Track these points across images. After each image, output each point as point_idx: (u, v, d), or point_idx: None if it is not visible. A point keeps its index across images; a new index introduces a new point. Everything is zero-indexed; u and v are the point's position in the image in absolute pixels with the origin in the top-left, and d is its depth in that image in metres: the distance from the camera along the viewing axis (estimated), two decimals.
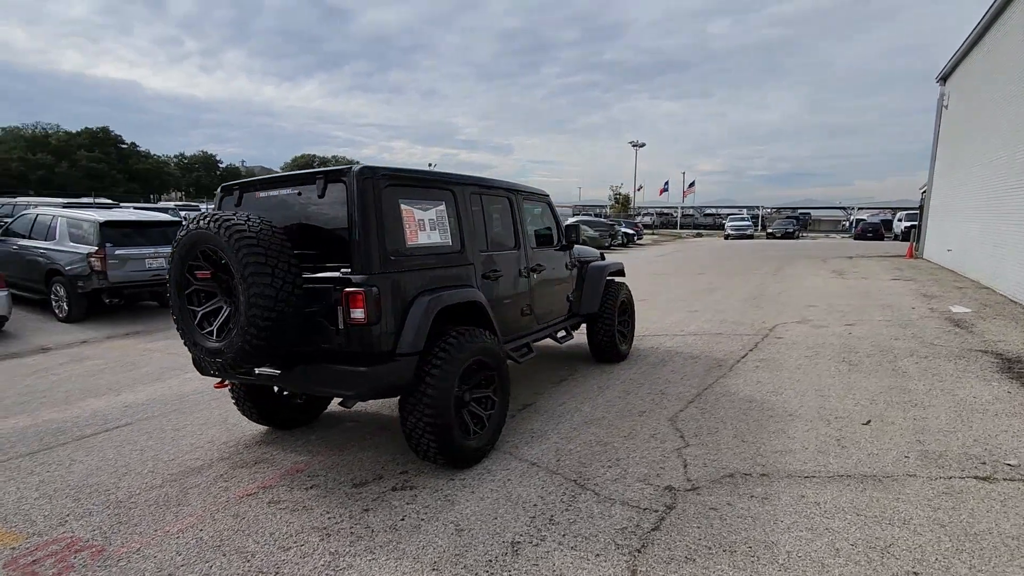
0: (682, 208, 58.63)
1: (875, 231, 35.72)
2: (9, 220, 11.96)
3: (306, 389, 3.53)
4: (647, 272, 16.56)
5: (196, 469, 3.85)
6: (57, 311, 9.47)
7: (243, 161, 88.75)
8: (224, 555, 2.80)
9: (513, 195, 4.79)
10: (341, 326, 3.21)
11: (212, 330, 3.31)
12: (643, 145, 50.47)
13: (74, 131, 49.17)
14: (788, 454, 3.75)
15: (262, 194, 3.74)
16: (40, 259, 9.78)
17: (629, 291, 6.63)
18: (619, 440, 4.11)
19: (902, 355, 6.23)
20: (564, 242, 5.55)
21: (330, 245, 3.37)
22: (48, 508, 3.34)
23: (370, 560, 2.72)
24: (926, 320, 8.20)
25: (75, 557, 2.82)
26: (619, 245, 30.93)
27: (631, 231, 34.13)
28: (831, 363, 6.01)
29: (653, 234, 45.83)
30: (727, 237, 40.20)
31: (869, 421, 4.28)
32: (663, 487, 3.35)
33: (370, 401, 4.64)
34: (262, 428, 4.55)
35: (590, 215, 43.23)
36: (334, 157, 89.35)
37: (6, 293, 8.31)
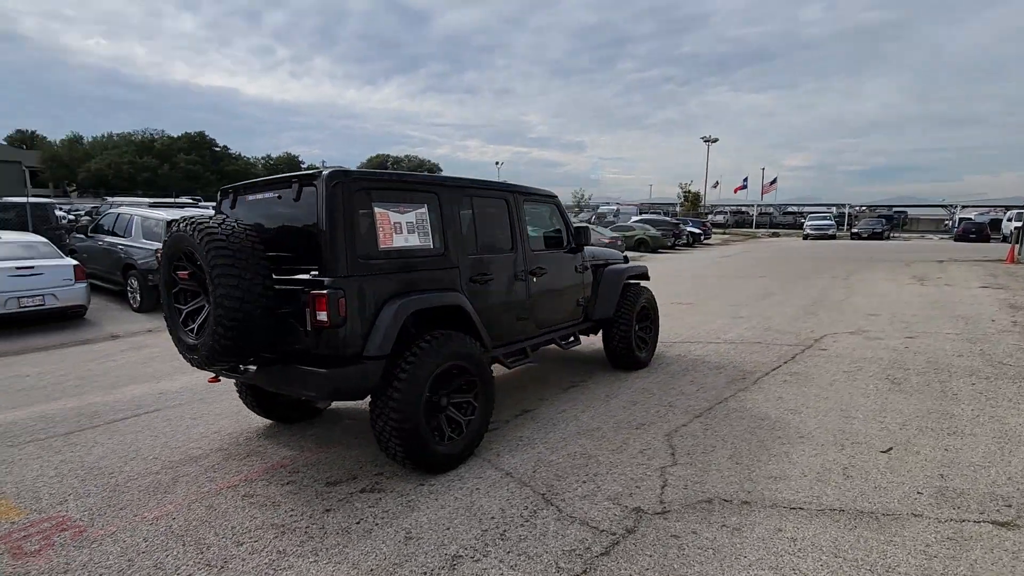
0: (759, 206, 55.65)
1: (979, 232, 32.23)
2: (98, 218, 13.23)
3: (277, 388, 3.62)
4: (704, 274, 15.85)
5: (194, 458, 4.06)
6: (131, 302, 10.37)
7: (323, 161, 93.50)
8: (183, 545, 2.92)
9: (511, 196, 4.69)
10: (309, 328, 3.27)
11: (193, 327, 3.48)
12: (715, 140, 48.31)
13: (175, 136, 53.92)
14: (782, 480, 3.43)
15: (251, 197, 3.88)
16: (119, 254, 10.74)
17: (651, 296, 6.35)
18: (606, 454, 3.93)
19: (959, 374, 5.55)
20: (573, 244, 5.38)
21: (305, 248, 3.44)
22: (56, 487, 3.64)
23: (312, 562, 2.75)
24: (1003, 335, 7.28)
25: (58, 536, 3.05)
26: (684, 245, 29.83)
27: (698, 230, 32.82)
28: (871, 380, 5.46)
29: (724, 233, 43.86)
30: (806, 237, 37.75)
31: (890, 449, 3.84)
32: (631, 508, 3.16)
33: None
34: (267, 421, 4.74)
35: (658, 213, 41.95)
36: (407, 156, 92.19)
37: (85, 285, 9.18)
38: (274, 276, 3.35)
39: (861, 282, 13.34)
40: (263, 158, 77.41)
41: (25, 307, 8.50)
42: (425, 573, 2.64)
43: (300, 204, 3.47)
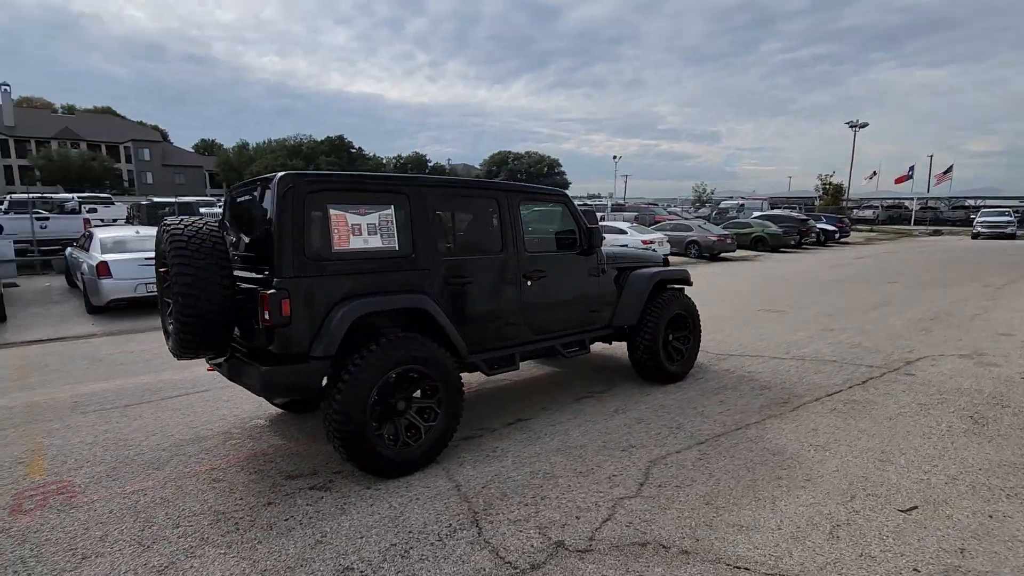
0: (921, 199, 48.44)
1: None
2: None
3: (233, 380, 3.81)
4: (820, 278, 14.15)
5: (200, 438, 4.43)
6: None
7: (449, 159, 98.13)
8: (134, 521, 3.19)
9: (504, 196, 4.48)
10: (259, 325, 3.39)
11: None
12: (864, 125, 42.71)
13: (320, 140, 59.93)
14: (746, 532, 2.90)
15: (239, 199, 4.12)
16: None
17: (690, 303, 5.76)
18: (570, 476, 3.62)
19: None
20: (585, 246, 5.02)
21: (264, 248, 3.57)
22: (83, 453, 4.17)
23: (221, 553, 2.86)
24: None
25: (54, 499, 3.49)
26: (812, 243, 26.86)
27: (832, 227, 29.35)
28: (947, 417, 4.46)
29: (871, 231, 38.82)
30: (975, 236, 32.12)
31: (913, 508, 3.08)
32: (553, 541, 2.87)
33: None
34: (279, 409, 5.03)
35: (794, 208, 38.10)
36: (528, 152, 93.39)
37: None
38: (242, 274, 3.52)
39: (1018, 294, 11.02)
40: (394, 158, 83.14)
41: (151, 292, 9.92)
42: None
43: (263, 206, 3.61)
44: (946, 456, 3.75)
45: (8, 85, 61.20)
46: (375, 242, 3.72)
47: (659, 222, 26.90)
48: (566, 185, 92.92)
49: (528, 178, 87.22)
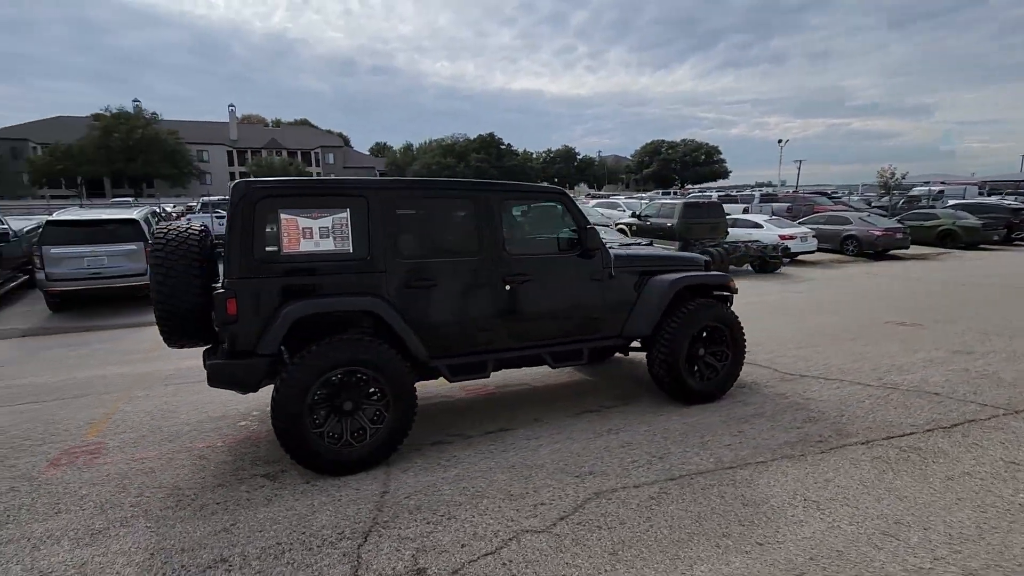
0: None
1: None
2: None
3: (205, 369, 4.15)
4: (1003, 284, 11.38)
5: (223, 416, 4.97)
6: None
7: (599, 152, 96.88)
8: (114, 486, 3.68)
9: (483, 196, 4.28)
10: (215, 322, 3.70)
11: None
12: None
13: (472, 138, 63.38)
14: None
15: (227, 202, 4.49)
16: None
17: (727, 314, 5.00)
18: (498, 497, 3.38)
19: None
20: (587, 247, 4.58)
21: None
22: (133, 421, 4.92)
23: (147, 527, 3.17)
24: None
25: (83, 458, 4.17)
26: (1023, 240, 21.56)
27: None
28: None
29: None
30: None
31: None
32: (418, 568, 2.70)
33: None
34: None
35: (1013, 197, 30.87)
36: (684, 140, 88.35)
37: None
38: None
39: None
40: (544, 152, 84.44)
41: None
42: (184, 566, 2.79)
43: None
44: (986, 539, 2.76)
45: (234, 105, 74.37)
46: (327, 245, 3.82)
47: (824, 212, 23.68)
48: (725, 174, 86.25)
49: (683, 168, 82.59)
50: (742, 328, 5.11)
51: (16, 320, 9.19)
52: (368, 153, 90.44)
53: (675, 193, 47.36)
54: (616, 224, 19.39)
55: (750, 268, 14.83)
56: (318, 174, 74.77)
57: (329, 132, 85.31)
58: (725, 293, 5.27)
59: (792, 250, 15.92)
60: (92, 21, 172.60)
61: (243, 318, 3.58)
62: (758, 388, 5.34)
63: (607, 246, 4.97)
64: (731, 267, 14.28)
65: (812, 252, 16.78)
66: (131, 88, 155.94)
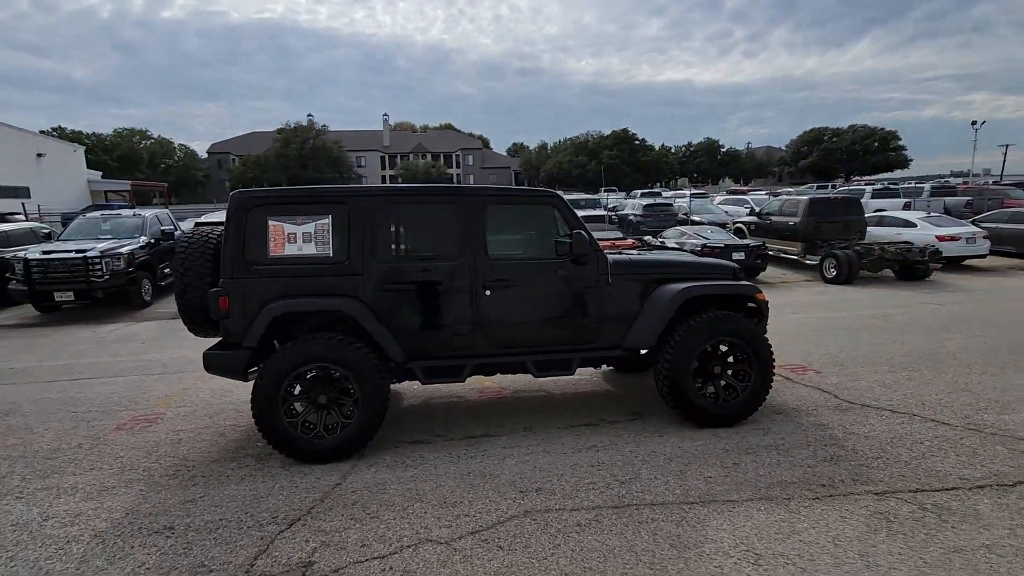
0: None
1: None
2: None
3: None
4: None
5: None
6: None
7: (748, 143, 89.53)
8: (143, 453, 4.33)
9: (465, 201, 4.27)
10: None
11: None
12: None
13: (605, 134, 62.39)
14: None
15: None
16: None
17: (746, 328, 4.43)
18: (430, 504, 3.39)
19: None
20: (577, 253, 4.34)
21: None
22: (195, 398, 5.71)
23: (140, 490, 3.71)
24: None
25: (142, 425, 4.94)
26: None
27: None
28: None
29: None
30: None
31: None
32: (306, 562, 2.83)
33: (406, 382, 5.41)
34: None
35: None
36: (853, 127, 78.10)
37: None
38: None
39: None
40: (684, 146, 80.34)
41: None
42: (140, 527, 3.22)
43: None
44: None
45: (387, 115, 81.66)
46: (310, 249, 4.10)
47: (1010, 208, 19.59)
48: (903, 163, 74.56)
49: (849, 157, 73.11)
50: (768, 346, 4.49)
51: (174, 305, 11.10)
52: (505, 154, 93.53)
53: (835, 186, 42.14)
54: (734, 223, 17.92)
55: (891, 274, 12.79)
56: (457, 175, 79.09)
57: (470, 135, 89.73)
58: (752, 305, 4.67)
59: (953, 254, 13.35)
60: (287, 48, 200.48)
61: (233, 314, 4.00)
62: (798, 415, 4.65)
63: (622, 252, 4.66)
64: (865, 273, 12.47)
65: (983, 256, 13.96)
66: (314, 103, 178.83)
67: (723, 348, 4.49)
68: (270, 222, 4.07)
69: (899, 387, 5.30)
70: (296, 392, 4.00)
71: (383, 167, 78.25)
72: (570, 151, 62.36)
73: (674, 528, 3.02)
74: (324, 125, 68.51)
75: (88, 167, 42.77)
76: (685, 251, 13.47)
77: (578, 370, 4.58)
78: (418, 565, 2.77)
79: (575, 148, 61.74)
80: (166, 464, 4.10)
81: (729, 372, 4.53)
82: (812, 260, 13.62)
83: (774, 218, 15.56)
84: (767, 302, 4.67)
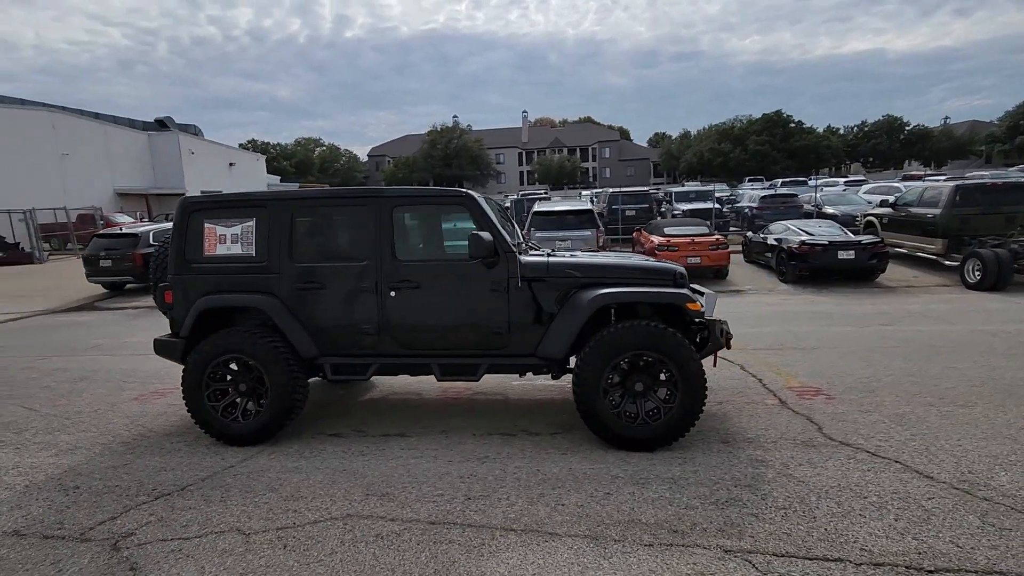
0: None
1: None
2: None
3: None
4: None
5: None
6: None
7: (946, 118, 75.49)
8: (134, 421, 5.09)
9: (377, 203, 4.30)
10: None
11: None
12: None
13: (755, 119, 56.86)
14: None
15: None
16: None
17: (672, 341, 3.88)
18: (277, 499, 3.54)
19: None
20: (486, 255, 4.11)
21: None
22: None
23: (113, 451, 4.38)
24: None
25: (154, 397, 5.81)
26: None
27: None
28: None
29: None
30: None
31: None
32: (124, 533, 3.14)
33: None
34: None
35: None
36: None
37: None
38: None
39: None
40: (857, 126, 70.29)
41: None
42: (90, 487, 3.77)
43: None
44: None
45: (527, 111, 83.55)
46: (236, 249, 4.47)
47: None
48: None
49: None
50: (696, 361, 3.89)
51: None
52: (645, 145, 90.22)
53: None
54: (864, 216, 15.48)
55: None
56: (592, 168, 78.16)
57: (609, 127, 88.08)
58: (691, 316, 4.07)
59: None
60: (448, 55, 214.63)
61: (176, 306, 4.53)
62: (746, 446, 3.98)
63: (559, 253, 4.37)
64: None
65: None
66: (470, 104, 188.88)
67: (640, 363, 3.99)
68: (206, 224, 4.52)
69: (918, 426, 4.25)
70: (218, 378, 4.40)
71: (520, 163, 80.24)
72: (712, 138, 58.02)
73: (459, 554, 2.81)
74: (468, 125, 72.31)
75: (269, 172, 50.16)
76: (780, 245, 11.96)
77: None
78: (204, 551, 2.94)
79: (718, 135, 57.25)
80: (132, 433, 4.78)
81: (656, 391, 4.02)
82: (953, 261, 11.27)
83: (912, 209, 13.12)
84: (702, 312, 4.04)
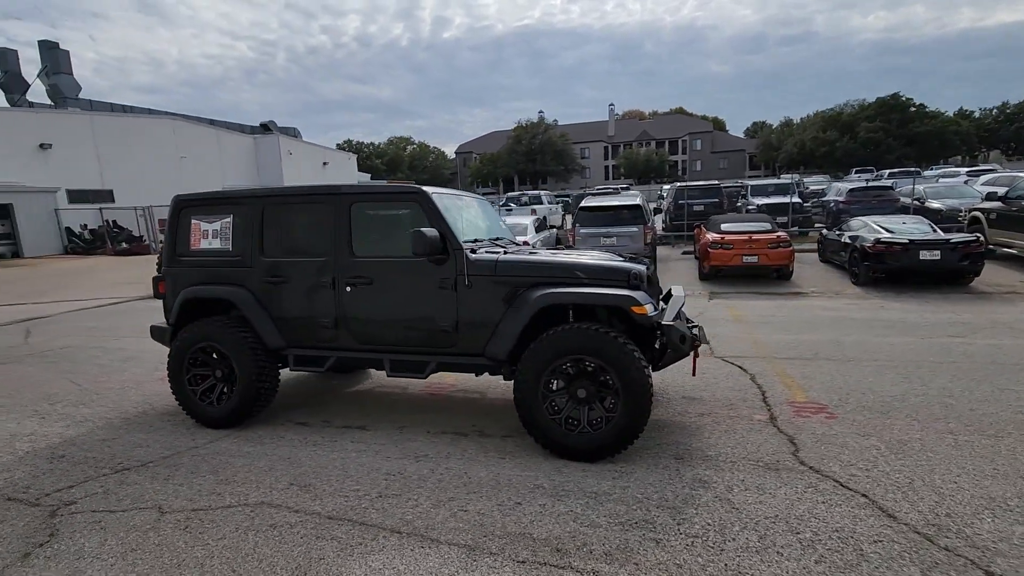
0: None
1: None
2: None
3: None
4: None
5: None
6: None
7: None
8: (143, 400, 5.62)
9: (337, 200, 4.38)
10: None
11: None
12: None
13: (866, 103, 51.50)
14: None
15: None
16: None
17: (614, 348, 3.62)
18: (217, 475, 3.73)
19: None
20: (431, 252, 4.04)
21: None
22: None
23: (111, 424, 4.87)
24: None
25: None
26: None
27: None
28: None
29: None
30: None
31: None
32: (66, 502, 3.44)
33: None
34: None
35: None
36: None
37: None
38: None
39: None
40: (993, 109, 61.60)
41: None
42: (70, 456, 4.25)
43: None
44: None
45: (613, 104, 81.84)
46: (216, 244, 4.76)
47: None
48: None
49: None
50: (639, 370, 3.59)
51: None
52: (742, 136, 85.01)
53: None
54: (969, 211, 13.63)
55: None
56: (682, 161, 74.93)
57: (702, 118, 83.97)
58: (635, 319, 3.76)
59: None
60: (540, 50, 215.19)
61: (167, 296, 4.91)
62: (698, 464, 3.64)
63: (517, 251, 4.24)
64: None
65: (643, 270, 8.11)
66: (561, 99, 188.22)
67: (589, 369, 3.76)
68: (192, 220, 4.85)
69: (916, 456, 3.67)
70: (198, 364, 4.71)
71: (606, 157, 78.71)
72: (816, 126, 53.30)
73: (331, 551, 2.79)
74: (554, 120, 72.05)
75: (362, 171, 53.04)
76: (854, 244, 10.78)
77: None
78: (117, 525, 3.16)
79: (824, 122, 52.44)
80: (138, 410, 5.25)
81: (603, 400, 3.77)
82: None
83: None
84: (649, 317, 3.71)
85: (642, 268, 4.04)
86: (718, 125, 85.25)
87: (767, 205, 17.92)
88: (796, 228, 17.79)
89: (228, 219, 4.72)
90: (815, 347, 6.55)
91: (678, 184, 19.98)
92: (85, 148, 27.23)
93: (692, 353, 4.95)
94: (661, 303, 4.45)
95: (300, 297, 4.50)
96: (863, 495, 3.19)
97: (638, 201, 12.57)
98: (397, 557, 2.75)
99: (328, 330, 4.46)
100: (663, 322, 3.91)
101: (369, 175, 55.81)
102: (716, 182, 20.59)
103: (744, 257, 11.51)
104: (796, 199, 18.60)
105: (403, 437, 4.33)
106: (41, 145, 25.44)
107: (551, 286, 3.95)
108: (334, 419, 4.78)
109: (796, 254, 14.04)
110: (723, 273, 12.03)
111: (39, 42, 35.81)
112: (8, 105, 33.30)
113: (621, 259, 4.34)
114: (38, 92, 36.05)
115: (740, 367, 5.91)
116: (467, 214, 4.70)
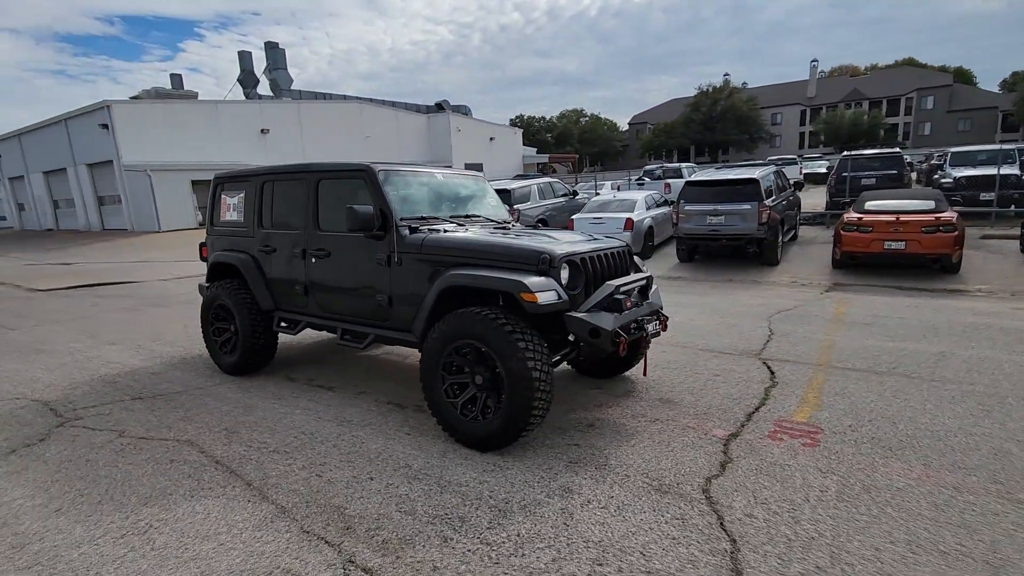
0: None
1: None
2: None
3: None
4: None
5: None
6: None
7: None
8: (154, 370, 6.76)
9: (308, 177, 4.71)
10: None
11: None
12: None
13: None
14: None
15: None
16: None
17: (497, 333, 3.41)
18: (188, 414, 4.40)
19: None
20: (373, 228, 4.13)
21: None
22: None
23: (123, 386, 6.03)
24: None
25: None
26: None
27: None
28: None
29: None
30: None
31: None
32: (29, 439, 4.36)
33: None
34: None
35: None
36: None
37: (630, 234, 12.18)
38: None
39: None
40: None
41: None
42: (74, 416, 5.42)
43: None
44: None
45: (816, 60, 70.99)
46: (234, 216, 5.46)
47: None
48: None
49: None
50: (520, 360, 3.31)
51: None
52: (996, 90, 67.55)
53: None
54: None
55: None
56: (905, 124, 62.56)
57: (941, 69, 68.53)
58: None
59: None
60: (745, 3, 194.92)
61: (209, 259, 5.81)
62: (588, 472, 3.29)
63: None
64: None
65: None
66: (765, 58, 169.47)
67: (483, 354, 3.57)
68: (222, 196, 5.63)
69: (867, 505, 2.84)
70: (219, 319, 5.51)
71: (802, 122, 69.09)
72: None
73: (166, 483, 3.17)
74: (743, 83, 65.38)
75: (530, 145, 54.34)
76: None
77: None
78: (85, 440, 3.94)
79: None
80: (194, 353, 6.31)
81: (499, 389, 3.57)
82: None
83: None
84: (537, 303, 3.34)
85: (561, 252, 3.66)
86: (962, 77, 68.89)
87: (966, 178, 14.26)
88: (1012, 208, 13.87)
89: (242, 195, 5.38)
90: (901, 359, 5.25)
91: (845, 153, 16.71)
92: (293, 131, 32.41)
93: (642, 350, 4.43)
94: (603, 291, 3.95)
95: (283, 265, 4.98)
96: (733, 539, 2.59)
97: (756, 174, 11.01)
98: (222, 504, 3.03)
99: (300, 297, 4.89)
100: (573, 313, 3.53)
101: (536, 149, 56.92)
102: (896, 150, 16.76)
103: (886, 243, 9.43)
104: (1016, 170, 14.43)
105: (352, 402, 4.59)
106: (262, 130, 30.94)
107: (468, 267, 3.81)
108: (316, 379, 5.24)
109: (991, 241, 11.23)
110: (859, 261, 10.05)
111: (265, 43, 43.15)
112: (244, 98, 40.94)
113: (592, 240, 4.02)
114: (263, 86, 43.67)
115: (772, 371, 5.03)
116: (426, 192, 4.70)
